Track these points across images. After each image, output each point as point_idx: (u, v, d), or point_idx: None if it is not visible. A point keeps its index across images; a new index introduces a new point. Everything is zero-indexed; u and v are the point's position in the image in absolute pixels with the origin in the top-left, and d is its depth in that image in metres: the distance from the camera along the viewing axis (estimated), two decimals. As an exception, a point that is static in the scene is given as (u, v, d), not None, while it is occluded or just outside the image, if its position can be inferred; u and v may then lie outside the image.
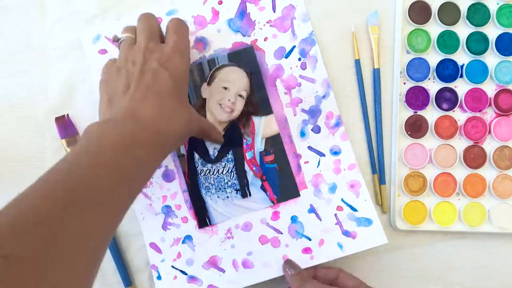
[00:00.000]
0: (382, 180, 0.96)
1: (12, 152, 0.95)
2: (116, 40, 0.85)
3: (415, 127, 0.95)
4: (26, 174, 0.94)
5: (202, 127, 0.86)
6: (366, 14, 0.97)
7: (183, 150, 0.94)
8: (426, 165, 0.96)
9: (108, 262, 0.96)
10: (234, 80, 0.94)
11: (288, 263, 0.90)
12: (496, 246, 0.97)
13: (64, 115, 0.94)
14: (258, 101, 0.94)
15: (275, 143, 0.94)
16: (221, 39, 0.95)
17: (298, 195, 0.93)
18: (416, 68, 0.96)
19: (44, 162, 0.95)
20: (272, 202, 0.93)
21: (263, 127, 0.94)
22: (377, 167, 0.96)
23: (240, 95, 0.94)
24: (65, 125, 0.93)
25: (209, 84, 0.94)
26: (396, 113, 0.96)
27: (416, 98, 0.95)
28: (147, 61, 0.78)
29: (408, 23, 0.97)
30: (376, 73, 0.96)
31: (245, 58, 0.94)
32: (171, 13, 0.95)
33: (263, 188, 0.94)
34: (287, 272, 0.89)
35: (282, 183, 0.94)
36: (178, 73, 0.79)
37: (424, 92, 0.95)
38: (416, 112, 0.96)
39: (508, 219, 0.95)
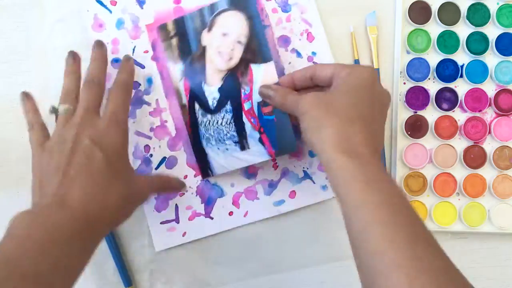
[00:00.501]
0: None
1: (12, 152, 0.95)
2: (53, 112, 0.85)
3: (415, 127, 0.96)
4: (26, 174, 0.93)
5: (154, 188, 0.87)
6: (365, 14, 0.97)
7: (184, 100, 0.94)
8: (426, 165, 0.96)
9: (108, 262, 0.96)
10: (234, 26, 0.91)
11: (263, 87, 0.89)
12: (496, 246, 0.97)
13: (64, 115, 0.93)
14: (257, 48, 0.91)
15: (273, 94, 0.93)
16: None
17: (296, 149, 0.92)
18: (416, 68, 0.96)
19: (44, 162, 0.95)
20: (270, 155, 0.92)
21: (261, 75, 0.91)
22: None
23: (239, 41, 0.91)
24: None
25: (209, 30, 0.93)
26: (396, 113, 0.96)
27: (416, 98, 0.96)
28: (80, 139, 0.77)
29: (408, 23, 0.97)
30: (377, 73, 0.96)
31: (245, 2, 0.91)
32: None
33: (261, 141, 0.92)
34: (268, 96, 0.87)
35: (280, 136, 0.92)
36: (114, 148, 0.78)
37: (424, 92, 0.96)
38: (416, 112, 0.96)
39: (508, 219, 0.95)
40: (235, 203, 0.96)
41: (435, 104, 0.95)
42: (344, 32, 0.97)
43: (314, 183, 0.96)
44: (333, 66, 0.81)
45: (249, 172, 0.95)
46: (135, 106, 0.95)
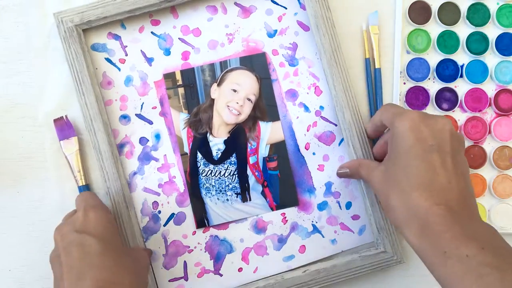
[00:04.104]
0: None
1: (12, 152, 0.95)
2: None
3: (415, 127, 0.95)
4: (26, 174, 0.93)
5: (147, 250, 0.90)
6: (366, 14, 0.97)
7: (186, 149, 0.94)
8: (426, 165, 0.95)
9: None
10: (244, 83, 0.94)
11: (340, 169, 0.92)
12: (496, 246, 0.97)
13: (63, 116, 0.93)
14: (266, 107, 0.94)
15: (279, 150, 0.94)
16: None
17: (298, 204, 0.94)
18: (416, 68, 0.96)
19: (44, 162, 0.94)
20: (271, 209, 0.94)
21: (269, 132, 0.94)
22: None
23: (249, 99, 0.94)
24: (63, 126, 0.92)
25: (219, 85, 0.94)
26: (396, 113, 0.95)
27: (416, 98, 0.95)
28: (65, 238, 0.75)
29: (408, 23, 0.96)
30: (377, 73, 0.96)
31: (256, 63, 0.94)
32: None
33: (263, 194, 0.94)
34: (346, 174, 0.91)
35: (283, 191, 0.94)
36: (102, 227, 0.78)
37: (424, 92, 0.95)
38: (416, 112, 0.95)
39: (508, 219, 0.95)
40: (245, 259, 0.94)
41: (435, 104, 0.95)
42: (345, 32, 0.96)
43: (323, 237, 0.95)
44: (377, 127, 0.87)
45: (258, 227, 0.95)
46: (143, 162, 0.94)
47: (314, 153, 0.95)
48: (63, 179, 0.93)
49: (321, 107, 0.95)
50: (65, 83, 0.93)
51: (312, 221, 0.95)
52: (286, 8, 0.95)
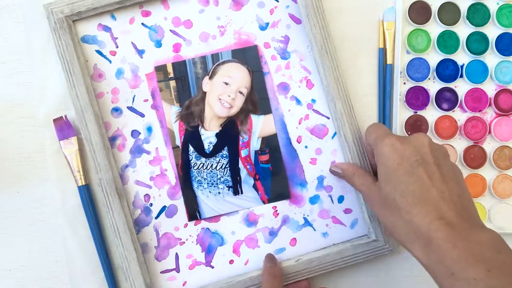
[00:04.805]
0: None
1: (12, 152, 0.95)
2: None
3: (415, 127, 0.95)
4: (26, 174, 0.94)
5: None
6: (368, 12, 0.98)
7: (178, 142, 0.94)
8: (426, 165, 0.95)
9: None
10: (236, 76, 0.94)
11: (334, 167, 0.93)
12: (496, 246, 0.95)
13: (62, 116, 0.94)
14: (258, 100, 0.94)
15: (271, 143, 0.94)
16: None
17: (289, 197, 0.94)
18: (416, 68, 0.95)
19: (44, 162, 0.95)
20: (263, 202, 0.94)
21: (261, 126, 0.94)
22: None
23: (241, 92, 0.94)
24: (63, 127, 0.93)
25: (211, 78, 0.94)
26: (396, 113, 0.95)
27: (416, 98, 0.95)
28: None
29: (408, 23, 0.96)
30: (388, 69, 0.96)
31: (248, 56, 0.94)
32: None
33: (255, 187, 0.94)
34: (337, 174, 0.92)
35: (275, 184, 0.94)
36: None
37: (424, 92, 0.95)
38: (416, 112, 0.95)
39: (508, 219, 0.94)
40: (236, 251, 0.95)
41: (435, 104, 0.95)
42: (345, 32, 0.96)
43: (314, 230, 0.95)
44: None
45: (250, 220, 0.95)
46: (134, 155, 0.94)
47: (306, 147, 0.95)
48: (63, 179, 0.94)
49: (313, 100, 0.95)
50: (65, 83, 0.94)
51: (304, 215, 0.94)
52: (278, 1, 0.95)
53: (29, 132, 0.95)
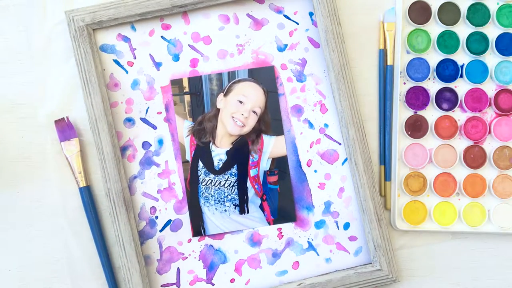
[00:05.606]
0: (387, 176, 0.97)
1: (12, 152, 0.95)
2: None
3: (415, 127, 0.96)
4: (26, 174, 0.94)
5: None
6: (368, 13, 0.98)
7: (188, 157, 0.94)
8: (426, 165, 0.96)
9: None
10: (251, 95, 0.94)
11: None
12: (496, 246, 0.97)
13: (64, 118, 0.93)
14: (270, 120, 0.95)
15: (281, 164, 0.95)
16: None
17: (295, 220, 0.95)
18: (416, 68, 0.96)
19: (44, 162, 0.95)
20: (268, 223, 0.95)
21: (272, 146, 0.95)
22: (384, 160, 0.97)
23: (254, 111, 0.94)
24: (64, 128, 0.92)
25: (225, 95, 0.95)
26: (396, 113, 0.96)
27: (416, 98, 0.96)
28: None
29: (408, 23, 0.97)
30: (389, 69, 0.97)
31: (264, 76, 0.95)
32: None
33: (261, 207, 0.95)
34: None
35: (281, 206, 0.95)
36: None
37: (424, 92, 0.96)
38: (416, 112, 0.96)
39: (508, 219, 0.96)
40: (238, 270, 0.95)
41: (435, 104, 0.95)
42: (345, 33, 0.96)
43: (318, 255, 0.95)
44: None
45: (254, 240, 0.95)
46: (144, 166, 0.94)
47: (316, 171, 0.96)
48: (64, 180, 0.94)
49: (326, 125, 0.96)
50: (65, 83, 0.93)
51: (308, 238, 0.95)
52: (298, 24, 0.96)
53: (29, 132, 0.95)
